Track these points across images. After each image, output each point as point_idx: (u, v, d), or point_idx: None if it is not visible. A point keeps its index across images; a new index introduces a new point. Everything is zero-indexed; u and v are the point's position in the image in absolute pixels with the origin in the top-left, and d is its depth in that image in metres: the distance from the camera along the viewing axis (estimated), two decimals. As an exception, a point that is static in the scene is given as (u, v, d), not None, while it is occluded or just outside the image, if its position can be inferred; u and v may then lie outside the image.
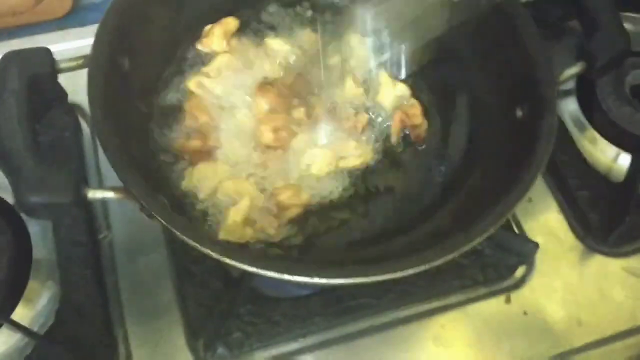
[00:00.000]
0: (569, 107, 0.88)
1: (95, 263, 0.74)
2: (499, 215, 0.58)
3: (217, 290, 0.72)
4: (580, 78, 0.88)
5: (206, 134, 0.72)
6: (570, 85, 0.89)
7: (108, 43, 0.63)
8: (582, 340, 0.74)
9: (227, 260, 0.53)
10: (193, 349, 0.70)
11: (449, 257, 0.56)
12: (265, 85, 0.73)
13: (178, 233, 0.54)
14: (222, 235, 0.65)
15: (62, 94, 0.81)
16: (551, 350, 0.74)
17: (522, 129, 0.66)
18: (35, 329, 0.69)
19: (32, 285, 0.70)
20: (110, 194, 0.56)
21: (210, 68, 0.77)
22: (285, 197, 0.68)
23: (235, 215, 0.66)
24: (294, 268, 0.54)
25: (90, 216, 0.77)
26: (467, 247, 0.56)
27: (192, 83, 0.75)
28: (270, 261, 0.56)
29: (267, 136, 0.70)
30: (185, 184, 0.69)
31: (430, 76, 0.80)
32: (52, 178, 0.54)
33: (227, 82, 0.76)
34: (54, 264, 0.73)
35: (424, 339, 0.74)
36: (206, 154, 0.70)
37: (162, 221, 0.54)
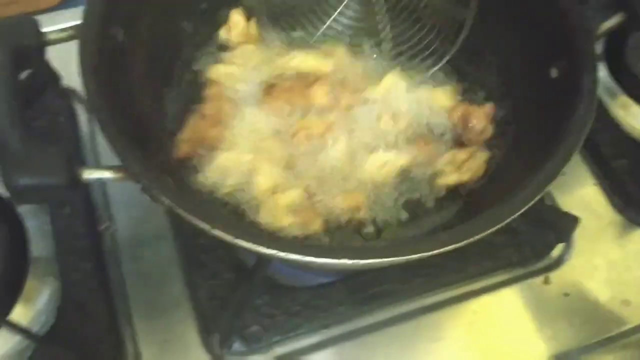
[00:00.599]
0: (599, 74, 0.82)
1: (97, 256, 0.69)
2: (543, 182, 0.52)
3: (230, 281, 0.67)
4: (608, 42, 0.84)
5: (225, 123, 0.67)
6: (598, 50, 0.84)
7: (99, 12, 0.57)
8: (631, 321, 0.68)
9: (244, 244, 0.47)
10: (207, 345, 0.65)
11: (489, 231, 0.49)
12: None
13: (185, 213, 0.48)
14: (262, 215, 0.60)
15: (55, 76, 0.76)
16: (598, 334, 0.68)
17: (559, 90, 0.60)
18: (35, 329, 0.64)
19: (30, 283, 0.64)
20: (108, 174, 0.51)
21: (233, 56, 0.72)
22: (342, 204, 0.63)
23: (282, 199, 0.61)
24: (319, 250, 0.48)
25: (90, 206, 0.72)
26: (508, 220, 0.50)
27: (215, 72, 0.70)
28: (293, 244, 0.50)
29: (321, 95, 0.65)
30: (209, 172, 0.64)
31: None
32: (42, 158, 0.49)
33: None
34: (53, 260, 0.68)
35: (455, 326, 0.68)
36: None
37: (167, 200, 0.48)
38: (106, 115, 0.52)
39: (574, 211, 0.71)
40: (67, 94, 0.77)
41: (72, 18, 0.71)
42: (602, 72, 0.83)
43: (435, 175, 0.66)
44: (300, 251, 0.47)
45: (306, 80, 0.69)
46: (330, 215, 0.63)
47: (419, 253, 0.48)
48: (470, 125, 0.67)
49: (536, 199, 0.51)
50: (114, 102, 0.54)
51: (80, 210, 0.70)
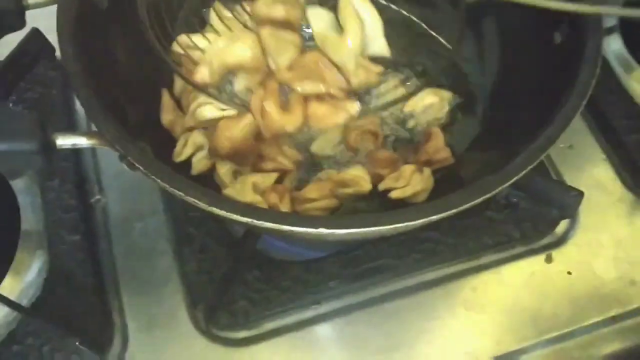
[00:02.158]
0: (613, 46, 0.80)
1: (86, 229, 0.68)
2: (538, 149, 0.48)
3: (219, 255, 0.65)
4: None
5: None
6: (613, 21, 0.80)
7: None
8: (636, 301, 0.65)
9: (218, 211, 0.46)
10: (194, 320, 0.63)
11: (477, 200, 0.47)
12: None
13: (159, 180, 0.46)
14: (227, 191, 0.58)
15: (48, 48, 0.76)
16: (602, 314, 0.65)
17: (562, 56, 0.57)
18: (24, 302, 0.63)
19: (20, 256, 0.64)
20: (82, 140, 0.49)
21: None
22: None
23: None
24: (296, 219, 0.46)
25: (81, 178, 0.71)
26: (499, 189, 0.47)
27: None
28: (269, 212, 0.47)
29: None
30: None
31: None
32: (13, 122, 0.47)
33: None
34: (44, 233, 0.67)
35: (453, 304, 0.65)
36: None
37: (141, 167, 0.47)
38: (81, 79, 0.50)
39: (581, 187, 0.67)
40: (61, 66, 0.76)
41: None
42: (617, 44, 0.80)
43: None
44: (276, 220, 0.45)
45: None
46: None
47: (401, 222, 0.45)
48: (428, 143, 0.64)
49: (529, 167, 0.48)
50: (92, 68, 0.53)
51: (70, 183, 0.69)
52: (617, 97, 0.75)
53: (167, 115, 0.64)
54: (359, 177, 0.60)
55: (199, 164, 0.62)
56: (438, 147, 0.62)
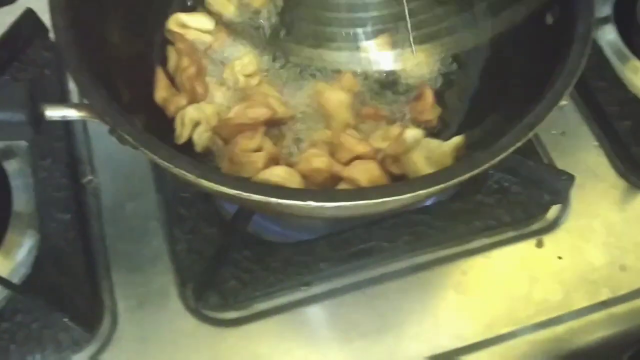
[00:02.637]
0: (608, 36, 0.80)
1: (77, 208, 0.67)
2: (526, 127, 0.48)
3: (210, 235, 0.65)
4: (618, 2, 0.80)
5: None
6: (607, 11, 0.80)
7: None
8: (626, 287, 0.65)
9: (205, 183, 0.46)
10: (183, 299, 0.63)
11: (464, 176, 0.47)
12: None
13: (148, 152, 0.46)
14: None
15: (42, 28, 0.76)
16: (591, 299, 0.65)
17: (553, 36, 0.57)
18: (15, 280, 0.63)
19: (11, 236, 0.64)
20: (72, 112, 0.49)
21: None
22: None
23: None
24: (283, 191, 0.46)
25: (73, 158, 0.71)
26: (484, 167, 0.47)
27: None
28: (257, 185, 0.47)
29: None
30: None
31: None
32: (2, 93, 0.47)
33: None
34: (35, 213, 0.67)
35: (443, 287, 0.65)
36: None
37: (129, 138, 0.46)
38: (72, 51, 0.50)
39: (574, 173, 0.68)
40: (54, 46, 0.76)
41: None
42: (612, 34, 0.80)
43: None
44: (264, 192, 0.45)
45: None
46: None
47: (389, 196, 0.45)
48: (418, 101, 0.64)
49: (516, 146, 0.48)
50: (84, 42, 0.52)
51: (62, 162, 0.69)
52: (610, 85, 0.75)
53: (161, 92, 0.64)
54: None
55: (201, 139, 0.62)
56: (426, 107, 0.62)
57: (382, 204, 0.46)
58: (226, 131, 0.61)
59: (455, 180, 0.46)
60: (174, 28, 0.65)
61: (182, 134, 0.62)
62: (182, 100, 0.63)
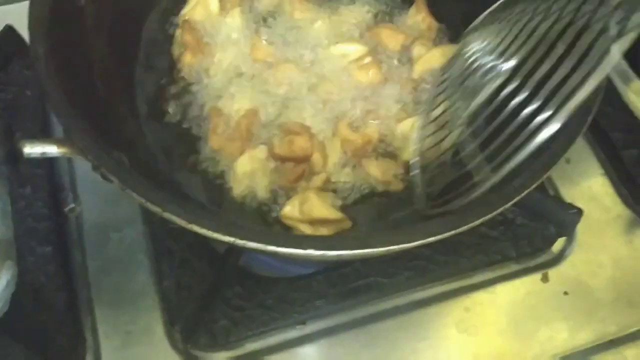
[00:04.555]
0: None
1: (59, 239, 0.64)
2: (541, 169, 0.46)
3: (200, 270, 0.61)
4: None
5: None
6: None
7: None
8: (635, 324, 0.63)
9: (197, 229, 0.42)
10: (171, 339, 0.60)
11: (476, 222, 0.44)
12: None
13: (135, 194, 0.43)
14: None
15: (22, 46, 0.72)
16: (599, 336, 0.62)
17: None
18: (-10, 317, 0.59)
19: (-13, 267, 0.60)
20: (52, 149, 0.45)
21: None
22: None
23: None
24: (283, 239, 0.43)
25: (54, 186, 0.67)
26: (499, 210, 0.45)
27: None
28: (253, 231, 0.44)
29: None
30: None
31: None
32: (-24, 128, 0.43)
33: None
34: (13, 243, 0.63)
35: (445, 324, 0.62)
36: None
37: (115, 179, 0.43)
38: (53, 82, 0.46)
39: (578, 203, 0.66)
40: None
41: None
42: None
43: None
44: (262, 239, 0.42)
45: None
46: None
47: (395, 245, 0.42)
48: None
49: (531, 187, 0.45)
50: (67, 71, 0.49)
51: (43, 191, 0.66)
52: (615, 110, 0.73)
53: (216, 140, 0.63)
54: None
55: (261, 188, 0.61)
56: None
57: (387, 251, 0.43)
58: None
59: (467, 227, 0.43)
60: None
61: (238, 191, 0.61)
62: (236, 148, 0.61)
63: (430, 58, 0.68)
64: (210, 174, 0.63)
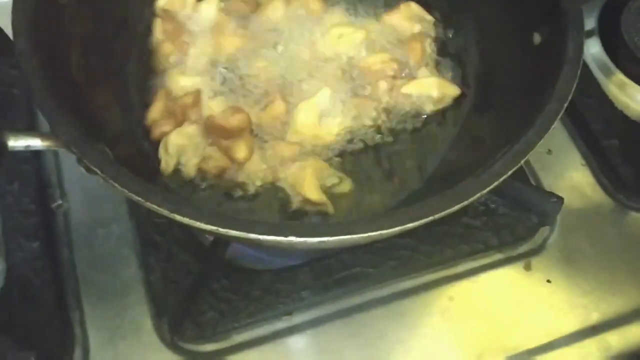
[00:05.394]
0: (592, 50, 0.79)
1: (46, 235, 0.64)
2: (519, 154, 0.46)
3: (186, 263, 0.62)
4: (602, 16, 0.79)
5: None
6: (592, 24, 0.79)
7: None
8: (618, 310, 0.64)
9: (179, 218, 0.43)
10: (159, 331, 0.60)
11: (454, 208, 0.44)
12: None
13: (119, 185, 0.44)
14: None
15: (8, 45, 0.72)
16: (582, 323, 0.63)
17: (542, 57, 0.55)
18: (-20, 313, 0.59)
19: (-24, 265, 0.60)
20: (36, 142, 0.46)
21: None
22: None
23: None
24: (263, 226, 0.43)
25: (41, 182, 0.67)
26: (478, 196, 0.45)
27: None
28: (235, 220, 0.45)
29: None
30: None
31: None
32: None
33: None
34: (1, 240, 0.63)
35: (429, 313, 0.63)
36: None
37: (99, 171, 0.44)
38: (38, 77, 0.47)
39: (560, 193, 0.66)
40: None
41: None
42: (596, 47, 0.79)
43: None
44: (243, 228, 0.42)
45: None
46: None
47: (375, 231, 0.43)
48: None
49: (508, 173, 0.46)
50: (50, 66, 0.50)
51: (31, 187, 0.66)
52: (596, 101, 0.74)
53: (154, 114, 0.63)
54: None
55: (190, 167, 0.60)
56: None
57: (369, 237, 0.44)
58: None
59: (445, 212, 0.44)
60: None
61: (168, 164, 0.60)
62: (167, 125, 0.61)
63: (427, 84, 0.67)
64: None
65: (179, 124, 0.62)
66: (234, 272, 0.62)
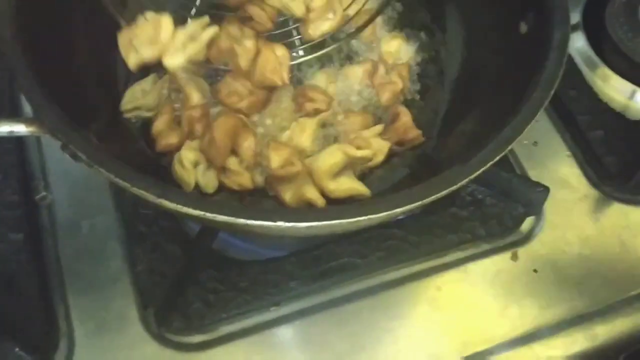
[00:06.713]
0: (577, 43, 0.80)
1: (30, 227, 0.63)
2: (504, 141, 0.47)
3: (173, 254, 0.62)
4: (586, 10, 0.80)
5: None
6: (576, 18, 0.80)
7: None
8: (604, 300, 0.64)
9: (166, 203, 0.42)
10: (145, 323, 0.60)
11: (441, 193, 0.45)
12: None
13: (104, 170, 0.43)
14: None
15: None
16: (568, 313, 0.63)
17: (529, 46, 0.55)
18: (-38, 306, 0.59)
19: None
20: (20, 127, 0.45)
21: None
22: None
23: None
24: (250, 212, 0.43)
25: (25, 174, 0.67)
26: (464, 181, 0.46)
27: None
28: (223, 205, 0.44)
29: None
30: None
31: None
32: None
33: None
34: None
35: (418, 302, 0.63)
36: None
37: (83, 156, 0.43)
38: (20, 62, 0.46)
39: (546, 184, 0.67)
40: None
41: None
42: (581, 41, 0.79)
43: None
44: (231, 213, 0.42)
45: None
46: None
47: (363, 215, 0.43)
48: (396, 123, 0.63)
49: (493, 161, 0.46)
50: (34, 50, 0.49)
51: (14, 178, 0.65)
52: (580, 94, 0.75)
53: (160, 125, 0.62)
54: None
55: (207, 178, 0.59)
56: (407, 126, 0.61)
57: (356, 222, 0.44)
58: None
59: (432, 197, 0.44)
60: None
61: (189, 180, 0.59)
62: (172, 137, 0.61)
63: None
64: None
65: (185, 136, 0.61)
66: (221, 263, 0.61)
